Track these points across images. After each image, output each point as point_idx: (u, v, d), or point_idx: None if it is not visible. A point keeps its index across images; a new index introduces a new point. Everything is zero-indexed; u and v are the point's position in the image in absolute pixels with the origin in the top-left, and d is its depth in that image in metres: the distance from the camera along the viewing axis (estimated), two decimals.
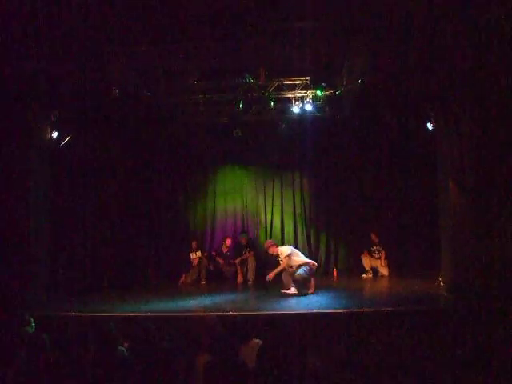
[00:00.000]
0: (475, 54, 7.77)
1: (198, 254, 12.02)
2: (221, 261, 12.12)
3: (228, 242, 12.38)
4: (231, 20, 7.64)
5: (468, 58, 7.89)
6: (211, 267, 12.06)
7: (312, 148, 12.54)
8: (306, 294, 9.25)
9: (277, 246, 9.83)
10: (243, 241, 12.25)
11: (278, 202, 12.91)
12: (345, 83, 9.95)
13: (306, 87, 10.47)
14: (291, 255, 9.41)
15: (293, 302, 8.74)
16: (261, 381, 4.01)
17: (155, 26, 7.87)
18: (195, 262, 11.96)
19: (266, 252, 10.05)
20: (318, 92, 10.39)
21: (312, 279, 9.47)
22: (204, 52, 8.74)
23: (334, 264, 12.49)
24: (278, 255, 9.59)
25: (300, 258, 9.53)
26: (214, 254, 12.46)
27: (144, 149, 12.55)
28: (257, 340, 4.85)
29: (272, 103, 10.89)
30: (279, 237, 12.71)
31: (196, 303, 9.02)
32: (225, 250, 12.31)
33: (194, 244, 12.19)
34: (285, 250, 9.56)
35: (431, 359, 4.41)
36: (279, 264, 9.50)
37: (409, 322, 6.70)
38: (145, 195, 12.59)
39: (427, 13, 7.45)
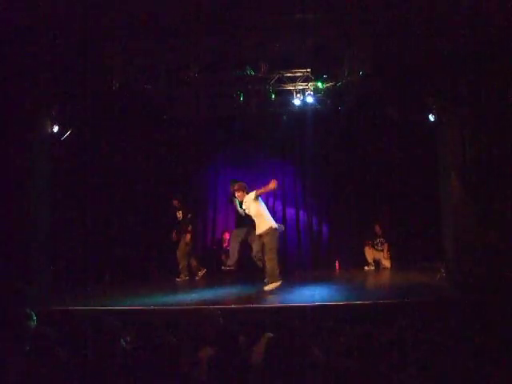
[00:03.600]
0: (478, 46, 7.74)
1: (180, 214, 11.35)
2: (223, 255, 12.10)
3: (226, 236, 12.35)
4: (232, 12, 7.61)
5: (471, 50, 7.86)
6: (214, 261, 12.04)
7: (313, 140, 12.51)
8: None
9: (247, 193, 9.03)
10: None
11: (279, 194, 12.89)
12: (346, 75, 9.91)
13: (307, 79, 10.44)
14: (260, 205, 8.79)
15: (294, 294, 8.72)
16: (264, 373, 4.00)
17: (155, 19, 7.85)
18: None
19: (233, 195, 9.33)
20: (319, 84, 10.36)
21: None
22: (204, 45, 8.72)
23: (336, 256, 12.48)
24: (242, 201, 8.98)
25: (266, 210, 8.89)
26: (215, 248, 12.44)
27: (144, 142, 12.52)
28: (268, 333, 4.82)
29: (273, 96, 10.87)
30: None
31: (198, 297, 9.02)
32: (225, 244, 12.29)
33: (175, 202, 11.42)
34: (256, 203, 8.84)
35: (434, 351, 4.40)
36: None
37: (411, 313, 6.69)
38: (146, 188, 12.57)
39: (430, 4, 7.42)
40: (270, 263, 8.61)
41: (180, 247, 11.17)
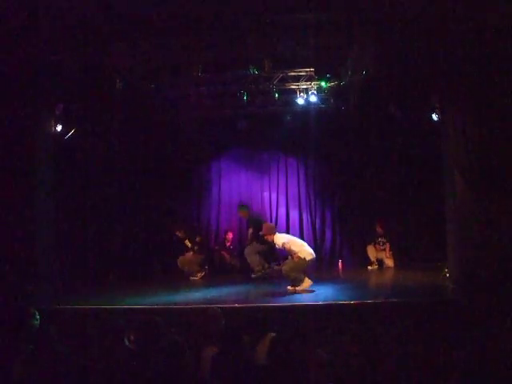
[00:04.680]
0: (481, 44, 7.72)
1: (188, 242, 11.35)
2: (226, 255, 12.11)
3: (229, 235, 12.36)
4: (236, 11, 7.61)
5: (474, 48, 7.83)
6: (217, 260, 12.05)
7: (316, 139, 12.51)
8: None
9: (274, 234, 9.24)
10: (242, 214, 11.60)
11: (283, 194, 12.90)
12: (349, 74, 9.90)
13: (310, 79, 10.45)
14: (288, 243, 8.92)
15: (298, 294, 8.71)
16: (267, 373, 4.01)
17: (159, 18, 7.85)
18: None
19: (262, 238, 9.52)
20: (323, 83, 10.38)
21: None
22: (208, 44, 8.72)
23: (340, 255, 12.48)
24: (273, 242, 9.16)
25: (297, 246, 8.92)
26: (217, 247, 12.44)
27: (148, 140, 12.53)
28: (271, 333, 4.82)
29: (277, 95, 10.88)
30: (284, 228, 12.71)
31: (201, 295, 9.02)
32: (227, 243, 12.29)
33: (179, 233, 11.38)
34: (280, 238, 9.14)
35: (438, 350, 4.40)
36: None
37: (415, 313, 6.69)
38: (149, 187, 12.57)
39: (432, 3, 7.41)
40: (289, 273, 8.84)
41: (191, 258, 11.22)
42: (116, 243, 11.83)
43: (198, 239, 11.39)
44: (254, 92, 10.91)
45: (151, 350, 4.49)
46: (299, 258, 8.73)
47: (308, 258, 8.79)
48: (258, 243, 10.31)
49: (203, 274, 11.25)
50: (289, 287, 8.86)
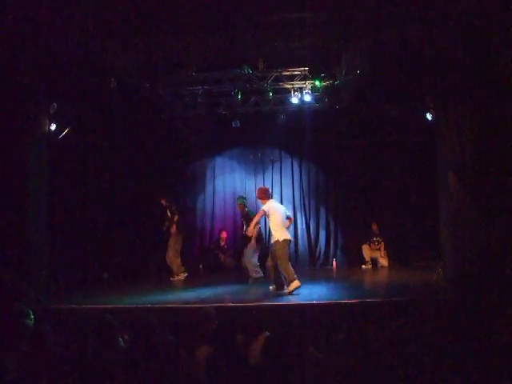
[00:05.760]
0: (475, 43, 7.74)
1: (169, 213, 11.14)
2: (221, 254, 12.11)
3: (223, 235, 12.37)
4: (230, 11, 7.60)
5: (468, 48, 7.86)
6: (211, 260, 12.07)
7: (311, 139, 12.52)
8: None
9: (269, 199, 8.97)
10: (239, 206, 10.94)
11: (277, 194, 12.89)
12: (344, 74, 9.91)
13: (304, 78, 10.44)
14: (273, 214, 8.65)
15: (292, 293, 8.71)
16: (261, 372, 4.01)
17: (154, 17, 7.84)
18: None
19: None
20: (317, 83, 10.37)
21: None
22: (203, 43, 8.71)
23: (334, 254, 12.50)
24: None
25: (277, 223, 8.67)
26: (212, 247, 12.44)
27: (142, 139, 12.51)
28: (265, 333, 4.82)
29: (271, 94, 10.89)
30: None
31: (195, 295, 9.02)
32: (222, 243, 12.30)
33: (163, 201, 11.20)
34: (271, 206, 8.75)
35: (431, 349, 4.41)
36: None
37: (409, 312, 6.69)
38: (144, 187, 12.55)
39: (428, 2, 7.43)
40: (282, 269, 8.65)
41: (171, 247, 11.00)
42: (111, 242, 11.80)
43: (173, 208, 11.11)
44: (248, 91, 10.91)
45: (145, 350, 4.49)
46: (274, 241, 8.61)
47: (281, 238, 8.56)
48: (253, 246, 10.20)
49: (185, 276, 11.06)
50: (271, 287, 8.86)
